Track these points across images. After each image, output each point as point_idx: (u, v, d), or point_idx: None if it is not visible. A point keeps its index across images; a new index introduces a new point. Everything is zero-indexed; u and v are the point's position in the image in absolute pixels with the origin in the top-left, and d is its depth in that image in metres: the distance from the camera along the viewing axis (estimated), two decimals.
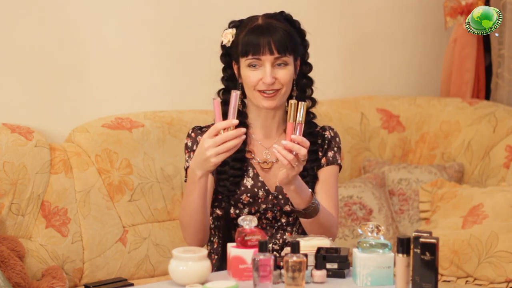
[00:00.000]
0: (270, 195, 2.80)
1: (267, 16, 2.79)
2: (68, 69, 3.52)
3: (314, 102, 2.88)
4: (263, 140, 2.85)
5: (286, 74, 2.75)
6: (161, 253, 3.45)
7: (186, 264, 2.41)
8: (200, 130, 2.84)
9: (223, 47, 2.84)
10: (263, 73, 2.73)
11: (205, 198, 2.69)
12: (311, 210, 2.68)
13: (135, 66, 3.68)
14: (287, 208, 2.80)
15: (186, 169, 2.81)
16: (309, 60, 2.88)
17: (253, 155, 2.84)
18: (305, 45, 2.84)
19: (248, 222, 2.49)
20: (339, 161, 2.87)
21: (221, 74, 2.87)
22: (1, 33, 3.38)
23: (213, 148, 2.55)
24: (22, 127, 3.30)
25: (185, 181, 2.79)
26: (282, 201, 2.80)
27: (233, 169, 2.79)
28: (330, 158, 2.85)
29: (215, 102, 2.58)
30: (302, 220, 2.74)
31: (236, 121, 2.56)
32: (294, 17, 2.83)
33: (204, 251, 2.43)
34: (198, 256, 2.41)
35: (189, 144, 2.83)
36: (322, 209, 2.72)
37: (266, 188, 2.80)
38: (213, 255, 2.86)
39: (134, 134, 3.47)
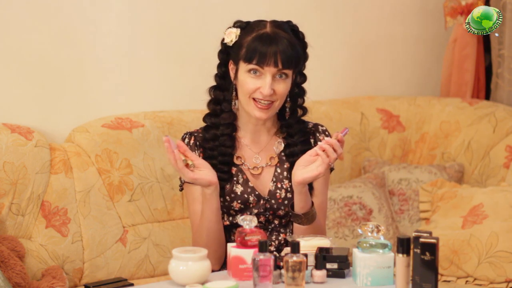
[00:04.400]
0: (262, 200, 2.79)
1: (274, 24, 2.75)
2: (68, 69, 3.52)
3: (305, 111, 2.87)
4: (252, 145, 2.84)
5: (284, 88, 2.73)
6: (161, 253, 3.44)
7: (186, 264, 2.41)
8: (191, 135, 2.84)
9: (223, 44, 2.82)
10: (263, 83, 2.70)
11: (217, 214, 2.73)
12: (310, 217, 2.70)
13: (135, 66, 3.68)
14: (280, 212, 2.80)
15: (180, 178, 2.85)
16: (309, 60, 2.86)
17: (242, 161, 2.83)
18: (305, 57, 2.82)
19: (248, 222, 2.49)
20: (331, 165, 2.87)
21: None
22: (1, 33, 3.38)
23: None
24: (22, 127, 3.29)
25: (180, 190, 2.86)
26: (275, 206, 2.79)
27: (220, 172, 2.78)
28: None
29: (171, 141, 2.61)
30: (296, 226, 2.75)
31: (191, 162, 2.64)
32: (295, 17, 2.83)
33: (204, 251, 2.43)
34: (198, 256, 2.41)
35: None
36: (317, 218, 2.75)
37: (257, 193, 2.79)
38: None
39: (134, 134, 3.47)
